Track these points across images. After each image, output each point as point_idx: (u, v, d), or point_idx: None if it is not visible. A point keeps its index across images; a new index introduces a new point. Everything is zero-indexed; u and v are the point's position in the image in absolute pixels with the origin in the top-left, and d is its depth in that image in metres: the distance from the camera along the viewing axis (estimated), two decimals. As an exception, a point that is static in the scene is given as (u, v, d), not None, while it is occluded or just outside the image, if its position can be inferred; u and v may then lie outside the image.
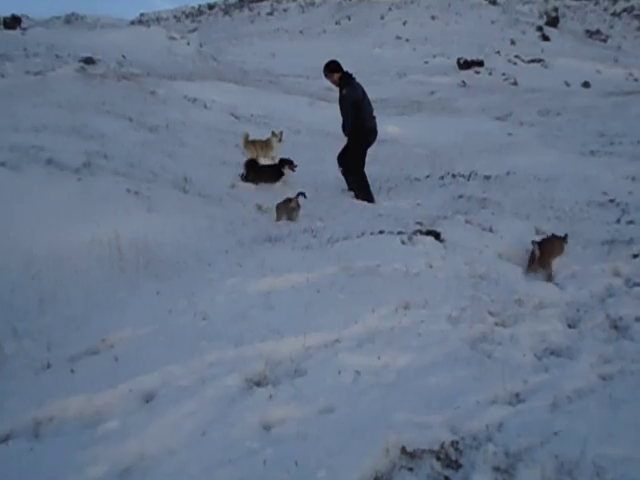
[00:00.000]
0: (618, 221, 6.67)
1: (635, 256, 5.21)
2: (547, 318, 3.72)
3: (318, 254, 4.57)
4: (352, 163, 7.51)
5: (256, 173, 7.85)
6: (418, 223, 5.42)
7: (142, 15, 56.29)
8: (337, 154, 7.84)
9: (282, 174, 7.73)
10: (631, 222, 6.59)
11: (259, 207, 6.79)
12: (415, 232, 4.97)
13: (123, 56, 21.74)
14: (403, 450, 2.46)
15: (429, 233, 4.96)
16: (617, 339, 3.47)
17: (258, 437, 2.58)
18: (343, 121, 7.54)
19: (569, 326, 3.71)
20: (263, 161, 8.96)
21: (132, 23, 41.41)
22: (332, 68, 7.44)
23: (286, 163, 7.73)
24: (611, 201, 7.87)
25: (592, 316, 3.78)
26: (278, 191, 7.54)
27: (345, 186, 7.73)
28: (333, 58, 7.78)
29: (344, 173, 7.67)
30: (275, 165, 7.91)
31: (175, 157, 8.16)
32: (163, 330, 3.55)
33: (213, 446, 2.50)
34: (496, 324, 3.60)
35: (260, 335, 3.36)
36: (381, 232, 5.00)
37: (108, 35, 25.67)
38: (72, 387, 2.97)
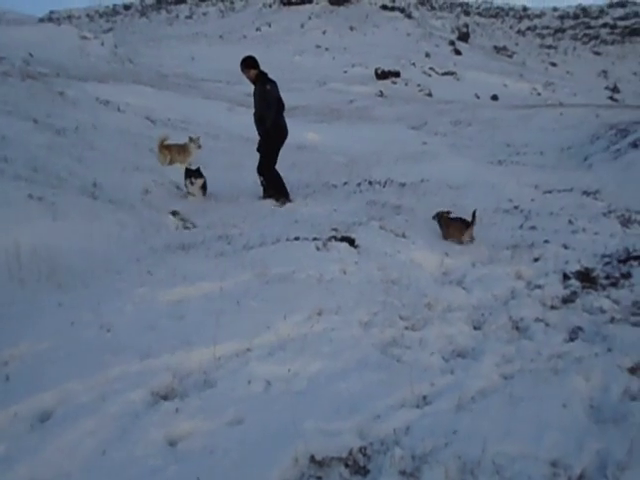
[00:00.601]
0: (521, 226, 7.04)
1: (536, 260, 5.51)
2: (454, 321, 3.84)
3: (232, 261, 4.49)
4: (267, 160, 7.51)
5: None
6: (333, 229, 5.46)
7: (52, 13, 53.58)
8: (256, 166, 7.70)
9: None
10: (533, 227, 6.97)
11: (173, 213, 6.60)
12: (330, 238, 4.99)
13: (30, 54, 20.61)
14: (312, 459, 2.44)
15: (343, 239, 5.00)
16: (518, 339, 3.63)
17: (162, 454, 2.46)
18: (260, 116, 7.41)
19: (475, 328, 3.84)
20: (179, 167, 8.76)
21: (41, 20, 39.33)
22: (249, 64, 7.45)
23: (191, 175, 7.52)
24: (515, 208, 8.31)
25: (496, 318, 3.95)
26: (194, 199, 7.40)
27: (261, 194, 7.66)
28: (250, 54, 7.73)
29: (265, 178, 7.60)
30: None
31: (84, 161, 7.78)
32: (64, 345, 3.33)
33: (113, 466, 2.36)
34: (406, 328, 3.67)
35: (169, 346, 3.24)
36: (296, 238, 4.98)
37: (13, 32, 24.25)
38: (-43, 410, 2.72)
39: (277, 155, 7.62)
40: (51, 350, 3.31)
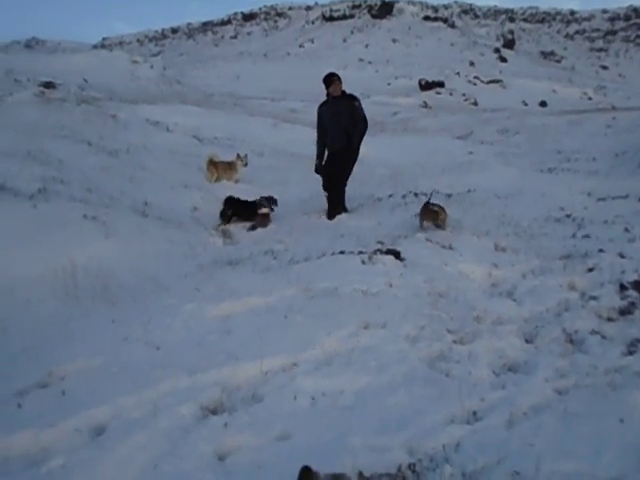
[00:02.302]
0: (574, 236, 6.81)
1: (590, 270, 5.31)
2: (505, 334, 3.73)
3: (278, 276, 4.53)
4: (346, 176, 7.63)
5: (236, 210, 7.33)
6: (379, 242, 5.44)
7: (105, 39, 56.01)
8: (323, 183, 7.73)
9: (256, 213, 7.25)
10: (587, 236, 6.73)
11: (222, 231, 6.74)
12: (375, 251, 4.97)
13: (85, 80, 21.56)
14: (360, 475, 2.41)
15: (389, 252, 4.97)
16: (572, 353, 3.50)
17: (212, 468, 2.49)
18: (347, 131, 7.40)
19: (526, 341, 3.73)
20: (226, 184, 8.95)
21: (94, 47, 41.13)
22: (338, 79, 7.62)
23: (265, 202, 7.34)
24: (568, 216, 8.04)
25: (548, 331, 3.82)
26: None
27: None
28: (332, 71, 8.03)
29: (333, 193, 7.59)
30: (253, 202, 7.40)
31: (135, 181, 8.05)
32: (116, 360, 3.44)
33: (164, 480, 2.41)
34: (454, 342, 3.60)
35: (217, 361, 3.29)
36: (342, 252, 4.99)
37: (69, 59, 25.44)
38: (18, 423, 2.84)
39: (349, 175, 7.74)
40: (105, 365, 3.42)
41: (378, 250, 5.02)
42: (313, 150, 13.58)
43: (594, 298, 4.57)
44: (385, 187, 9.68)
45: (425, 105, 26.87)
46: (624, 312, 4.31)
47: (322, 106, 7.80)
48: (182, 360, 3.33)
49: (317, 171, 7.85)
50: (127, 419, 2.86)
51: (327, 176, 7.65)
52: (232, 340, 3.55)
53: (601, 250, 5.88)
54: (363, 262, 4.74)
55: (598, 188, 10.30)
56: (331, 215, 7.39)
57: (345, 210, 7.67)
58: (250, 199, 7.44)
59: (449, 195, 9.39)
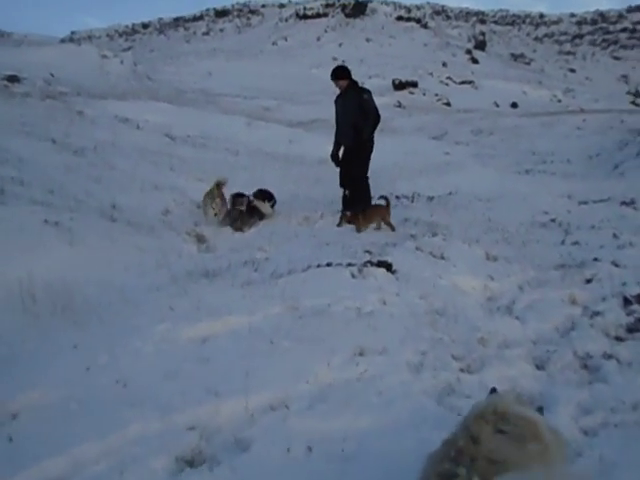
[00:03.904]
0: (563, 242, 6.54)
1: (588, 281, 5.00)
2: (514, 359, 3.36)
3: (260, 291, 4.07)
4: (363, 171, 7.38)
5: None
6: (367, 252, 5.02)
7: (73, 33, 54.25)
8: (340, 178, 7.57)
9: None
10: (576, 243, 6.46)
11: (197, 236, 6.23)
12: (365, 263, 4.54)
13: (51, 74, 20.64)
14: None
15: (380, 264, 4.55)
16: (590, 382, 3.14)
17: None
18: (355, 125, 7.19)
19: (537, 367, 3.36)
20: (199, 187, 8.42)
21: (62, 41, 39.70)
22: (339, 74, 7.40)
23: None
24: (552, 221, 7.80)
25: (559, 355, 3.46)
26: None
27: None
28: (341, 64, 7.65)
29: (350, 192, 7.40)
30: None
31: (102, 182, 7.46)
32: (76, 394, 2.93)
33: None
34: (461, 370, 3.20)
35: (194, 398, 2.82)
36: (329, 264, 4.54)
37: (35, 52, 24.37)
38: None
39: (368, 167, 7.51)
40: (63, 401, 2.91)
41: (368, 262, 4.59)
42: (288, 149, 13.23)
43: (598, 314, 4.25)
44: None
45: (399, 105, 26.61)
46: (632, 330, 4.00)
47: (336, 100, 7.69)
48: (153, 396, 2.85)
49: (333, 159, 7.71)
50: (90, 474, 2.37)
51: (342, 171, 7.52)
52: (211, 370, 3.08)
53: (596, 259, 5.60)
54: (353, 275, 4.31)
55: (577, 190, 10.14)
56: (345, 217, 7.16)
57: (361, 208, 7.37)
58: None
59: (431, 198, 9.07)
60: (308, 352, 3.20)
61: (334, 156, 7.61)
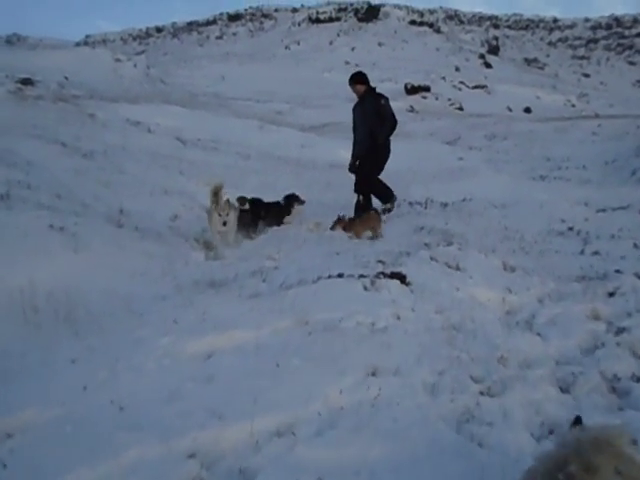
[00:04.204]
0: (582, 252, 6.30)
1: (611, 295, 4.76)
2: (537, 381, 3.13)
3: (268, 304, 3.87)
4: (372, 175, 7.43)
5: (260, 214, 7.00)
6: (380, 262, 4.81)
7: (88, 37, 54.52)
8: (355, 184, 7.61)
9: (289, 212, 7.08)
10: (596, 253, 6.22)
11: (204, 243, 6.06)
12: (378, 275, 4.33)
13: (65, 77, 20.65)
14: None
15: (393, 276, 4.34)
16: (621, 409, 2.91)
17: None
18: (372, 131, 7.19)
19: (562, 390, 3.13)
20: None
21: (77, 45, 39.89)
22: (358, 79, 7.41)
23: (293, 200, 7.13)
24: (570, 229, 7.55)
25: (585, 376, 3.22)
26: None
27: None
28: (360, 70, 7.93)
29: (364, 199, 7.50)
30: (279, 204, 7.17)
31: (111, 186, 7.33)
32: (73, 415, 2.75)
33: None
34: (481, 393, 2.98)
35: (196, 421, 2.62)
36: (340, 275, 4.34)
37: (50, 56, 24.45)
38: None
39: (380, 172, 7.54)
40: (59, 422, 2.73)
41: (381, 273, 4.37)
42: (300, 153, 13.07)
43: (624, 330, 4.01)
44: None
45: (412, 109, 26.36)
46: (661, 349, 3.75)
47: (354, 108, 7.68)
48: (153, 419, 2.66)
49: (350, 170, 7.70)
50: (80, 507, 2.19)
51: (357, 178, 7.54)
52: (215, 390, 2.88)
53: (618, 271, 5.35)
54: (365, 288, 4.09)
55: (594, 197, 9.85)
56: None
57: (391, 196, 7.71)
58: (273, 200, 7.24)
59: (445, 204, 8.84)
60: (318, 372, 3.00)
61: (352, 166, 7.60)
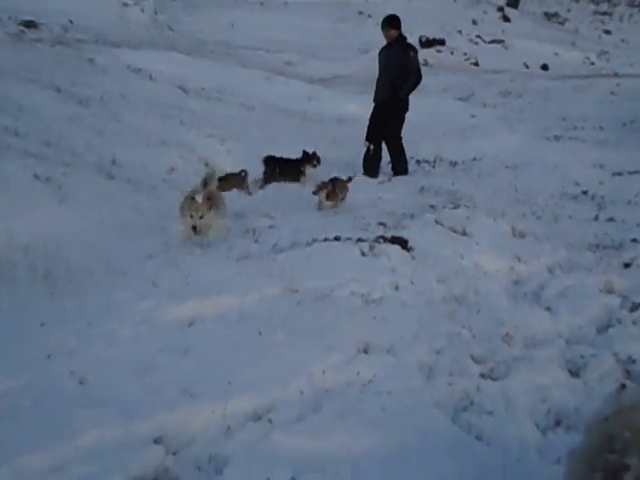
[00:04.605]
0: (596, 218, 5.91)
1: (627, 265, 4.41)
2: (544, 363, 2.83)
3: (257, 267, 3.56)
4: (397, 131, 7.11)
5: (275, 170, 6.53)
6: (381, 224, 4.46)
7: (97, -20, 52.65)
8: (367, 132, 7.25)
9: (302, 173, 6.47)
10: (611, 219, 5.84)
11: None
12: (377, 239, 3.99)
13: (70, 21, 19.85)
14: None
15: (394, 240, 3.99)
16: (636, 398, 2.61)
17: None
18: (393, 82, 6.83)
19: (571, 373, 2.83)
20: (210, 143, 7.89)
21: (85, -12, 38.52)
22: (392, 23, 6.99)
23: (310, 159, 6.54)
24: (584, 193, 7.14)
25: (597, 358, 2.91)
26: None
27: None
28: (394, 13, 7.36)
29: (374, 149, 7.15)
30: (297, 160, 6.61)
31: (105, 135, 6.92)
32: (33, 387, 2.50)
33: None
34: (482, 376, 2.68)
35: (165, 399, 2.36)
36: (337, 238, 4.00)
37: (55, -2, 23.50)
38: None
39: (402, 128, 7.18)
40: (18, 395, 2.48)
41: (381, 237, 4.03)
42: (306, 106, 12.51)
43: (639, 306, 3.68)
44: (384, 152, 8.63)
45: (425, 63, 25.24)
46: (680, 328, 3.43)
47: (381, 50, 7.30)
48: (118, 394, 2.39)
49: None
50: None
51: (371, 125, 7.19)
52: (190, 364, 2.61)
53: (635, 240, 4.99)
54: (363, 253, 3.76)
55: (609, 160, 9.35)
56: (367, 170, 7.10)
57: (404, 171, 7.20)
58: (293, 157, 6.66)
59: (454, 163, 8.41)
60: (303, 347, 2.71)
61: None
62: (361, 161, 7.31)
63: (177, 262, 3.77)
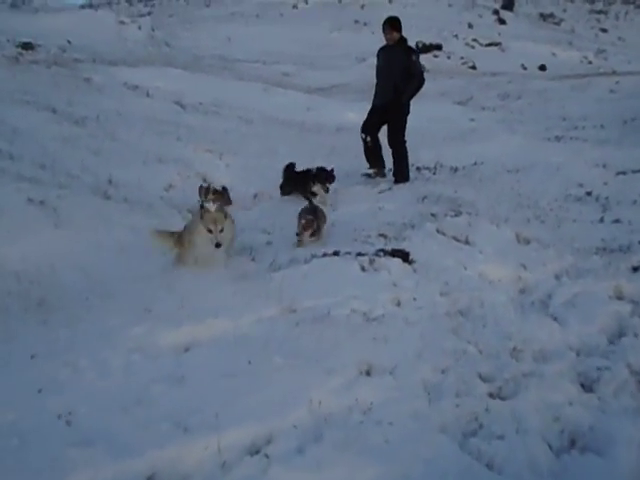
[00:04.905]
0: (602, 220, 5.78)
1: (635, 269, 4.27)
2: (555, 379, 2.69)
3: (254, 287, 3.44)
4: (401, 135, 6.98)
5: (291, 182, 6.32)
6: (382, 236, 4.34)
7: (92, -2, 52.95)
8: (364, 124, 7.20)
9: (313, 194, 5.75)
10: (617, 221, 5.70)
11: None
12: (378, 252, 3.87)
13: (68, 41, 19.93)
14: None
15: (395, 253, 3.87)
16: (654, 412, 2.47)
17: None
18: (397, 86, 6.72)
19: (583, 387, 2.69)
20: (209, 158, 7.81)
21: (82, 7, 38.71)
22: (395, 25, 6.87)
23: (323, 178, 6.03)
24: (588, 194, 7.00)
25: (611, 371, 2.77)
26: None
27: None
28: (395, 15, 7.22)
29: (372, 141, 7.10)
30: (312, 175, 6.15)
31: (101, 154, 6.85)
32: (22, 424, 2.38)
33: None
34: (491, 395, 2.55)
35: (158, 434, 2.24)
36: (336, 253, 3.88)
37: (53, 19, 23.68)
38: None
39: (405, 131, 7.08)
40: (5, 431, 2.37)
41: (381, 250, 3.91)
42: (305, 117, 12.44)
43: (652, 312, 3.54)
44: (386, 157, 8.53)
45: (423, 68, 25.33)
46: (696, 335, 3.29)
47: (380, 50, 7.19)
48: (109, 430, 2.28)
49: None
50: None
51: (368, 119, 7.14)
52: (184, 394, 2.49)
53: (642, 242, 4.85)
54: (363, 268, 3.64)
55: (612, 159, 9.20)
56: (370, 162, 7.14)
57: (406, 178, 7.01)
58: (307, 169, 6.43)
59: (455, 169, 8.29)
60: (302, 372, 2.59)
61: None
62: (360, 167, 7.27)
63: (172, 284, 3.66)
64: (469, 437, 2.23)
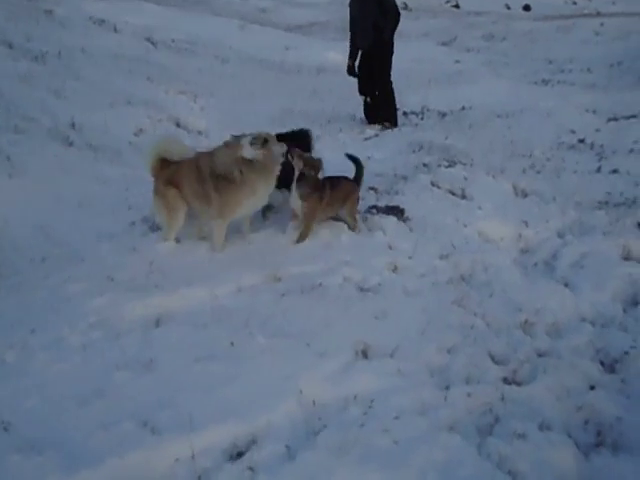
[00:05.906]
0: (599, 170, 5.42)
1: (642, 225, 3.94)
2: (573, 357, 2.34)
3: (234, 251, 3.01)
4: (386, 76, 6.74)
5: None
6: (372, 189, 3.90)
7: None
8: (360, 85, 6.82)
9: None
10: (615, 171, 5.34)
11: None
12: (371, 209, 3.44)
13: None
14: None
15: (390, 211, 3.44)
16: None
17: None
18: (375, 24, 6.38)
19: (603, 366, 2.36)
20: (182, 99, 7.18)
21: None
22: None
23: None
24: (581, 141, 6.62)
25: (633, 349, 2.44)
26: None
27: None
28: None
29: (372, 99, 6.79)
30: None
31: (64, 95, 6.17)
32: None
33: None
34: (505, 380, 2.21)
35: (119, 436, 1.85)
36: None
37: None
38: None
39: (391, 68, 6.81)
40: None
41: (374, 207, 3.48)
42: (284, 56, 11.65)
43: (664, 275, 3.22)
44: (368, 103, 7.97)
45: (405, 7, 24.05)
46: None
47: (350, 2, 6.82)
48: (62, 431, 1.88)
49: (350, 72, 6.89)
50: None
51: (362, 77, 6.76)
52: (152, 384, 2.09)
53: (646, 195, 4.51)
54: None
55: (601, 104, 8.80)
56: (372, 119, 6.80)
57: (394, 123, 6.80)
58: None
59: (443, 114, 7.80)
60: (291, 354, 2.20)
61: (350, 68, 6.82)
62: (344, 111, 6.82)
63: (140, 246, 3.20)
64: (486, 436, 1.88)
